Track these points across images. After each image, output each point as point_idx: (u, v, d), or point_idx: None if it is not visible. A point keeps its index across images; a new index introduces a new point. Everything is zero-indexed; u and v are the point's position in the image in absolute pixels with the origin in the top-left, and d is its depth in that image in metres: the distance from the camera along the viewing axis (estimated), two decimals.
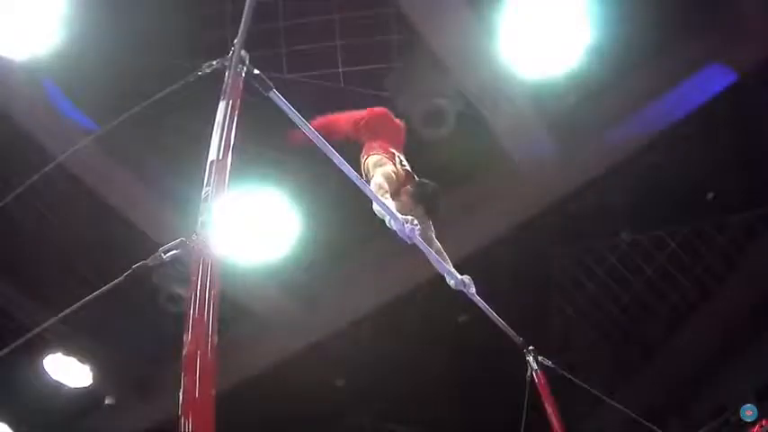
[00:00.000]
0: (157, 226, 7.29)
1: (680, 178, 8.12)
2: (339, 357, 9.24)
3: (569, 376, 4.48)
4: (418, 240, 3.45)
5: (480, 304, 3.98)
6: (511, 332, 4.30)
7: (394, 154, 4.04)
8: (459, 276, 3.86)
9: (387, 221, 3.44)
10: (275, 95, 2.55)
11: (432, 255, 3.73)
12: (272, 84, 2.51)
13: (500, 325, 4.18)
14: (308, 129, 2.76)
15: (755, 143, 8.08)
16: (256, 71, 2.42)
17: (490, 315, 4.06)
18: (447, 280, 3.89)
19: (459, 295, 3.95)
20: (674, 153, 7.81)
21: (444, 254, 4.00)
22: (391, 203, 3.49)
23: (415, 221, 3.39)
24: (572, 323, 9.76)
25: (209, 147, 2.14)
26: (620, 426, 7.89)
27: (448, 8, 6.39)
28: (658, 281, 9.27)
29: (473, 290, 3.88)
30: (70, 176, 7.08)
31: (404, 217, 3.38)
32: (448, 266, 3.87)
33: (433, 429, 9.82)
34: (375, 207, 3.56)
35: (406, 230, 3.32)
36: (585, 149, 7.63)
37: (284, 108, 2.62)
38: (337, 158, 2.93)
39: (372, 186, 3.56)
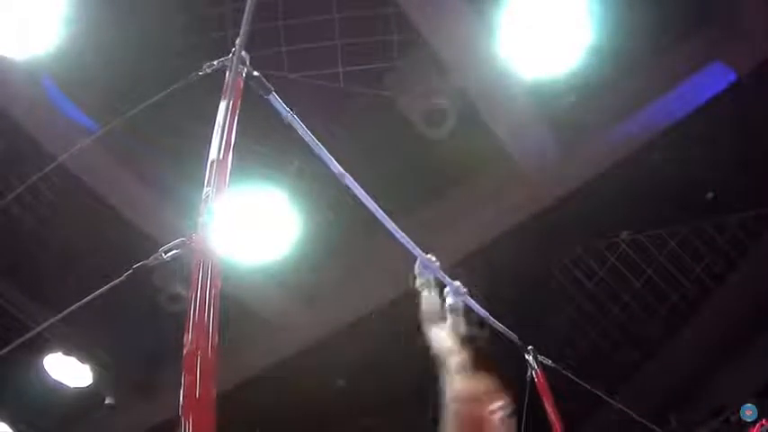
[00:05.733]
0: (157, 226, 7.29)
1: (680, 178, 8.12)
2: (339, 357, 9.23)
3: (570, 376, 4.48)
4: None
5: (480, 305, 3.97)
6: (511, 333, 4.30)
7: None
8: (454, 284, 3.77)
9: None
10: (274, 98, 2.55)
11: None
12: (271, 86, 2.50)
13: (499, 326, 4.18)
14: (305, 132, 2.76)
15: (755, 143, 8.08)
16: (256, 73, 2.41)
17: (488, 317, 4.06)
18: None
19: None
20: (674, 153, 7.81)
21: None
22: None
23: None
24: (572, 323, 9.76)
25: (209, 147, 2.14)
26: (620, 426, 7.89)
27: (448, 8, 6.39)
28: (658, 281, 9.27)
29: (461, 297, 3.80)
30: (70, 176, 7.08)
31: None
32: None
33: (432, 429, 9.81)
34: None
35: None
36: (585, 149, 7.64)
37: (281, 111, 2.62)
38: (332, 162, 2.93)
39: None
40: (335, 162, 2.94)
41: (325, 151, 2.87)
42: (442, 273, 3.74)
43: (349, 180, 3.09)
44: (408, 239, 3.45)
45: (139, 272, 2.00)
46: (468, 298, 3.79)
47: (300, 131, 2.72)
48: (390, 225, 3.36)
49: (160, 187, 7.46)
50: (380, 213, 3.34)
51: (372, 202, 3.30)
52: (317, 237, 8.11)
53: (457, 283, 3.76)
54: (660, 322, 9.64)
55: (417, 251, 3.56)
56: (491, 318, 4.07)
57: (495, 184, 7.93)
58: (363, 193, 3.20)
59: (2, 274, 8.19)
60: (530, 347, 4.44)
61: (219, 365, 1.73)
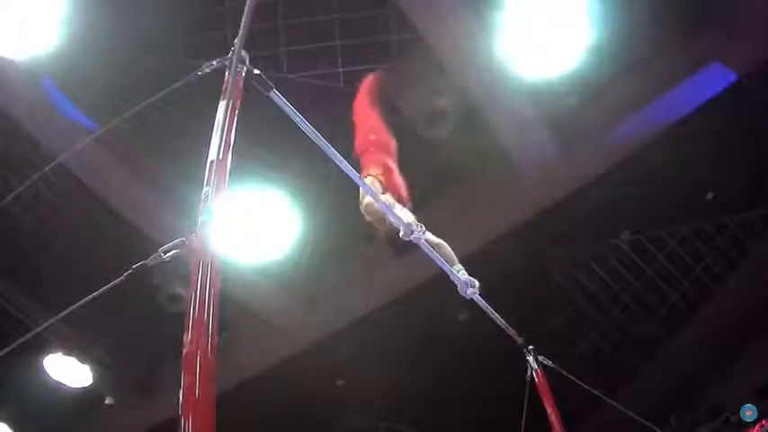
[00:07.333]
0: (157, 226, 7.29)
1: (680, 178, 8.11)
2: (339, 357, 9.23)
3: (569, 376, 4.47)
4: (423, 244, 3.42)
5: (481, 304, 3.95)
6: (511, 332, 4.29)
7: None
8: (462, 278, 3.75)
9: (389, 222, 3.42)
10: (275, 95, 2.54)
11: (438, 258, 3.65)
12: (272, 83, 2.50)
13: (500, 324, 4.17)
14: (308, 128, 2.75)
15: (755, 143, 8.07)
16: (256, 71, 2.41)
17: (491, 314, 4.05)
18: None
19: (460, 294, 3.91)
20: (674, 153, 7.80)
21: (452, 254, 3.90)
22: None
23: (422, 226, 3.36)
24: (572, 323, 9.75)
25: (209, 147, 2.14)
26: (620, 426, 7.88)
27: (448, 8, 6.39)
28: (658, 281, 9.26)
29: (472, 292, 3.76)
30: (70, 176, 7.08)
31: (410, 220, 3.35)
32: (454, 267, 3.78)
33: (432, 429, 9.81)
34: (366, 207, 3.55)
35: (414, 234, 3.31)
36: (585, 149, 7.63)
37: (284, 108, 2.61)
38: (338, 158, 2.92)
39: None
40: (339, 155, 2.92)
41: (329, 146, 2.85)
42: (445, 264, 3.72)
43: (354, 175, 3.08)
44: (390, 209, 3.43)
45: (139, 272, 2.00)
46: (477, 295, 3.77)
47: (303, 126, 2.71)
48: (393, 214, 3.36)
49: (160, 187, 7.46)
50: (386, 207, 3.34)
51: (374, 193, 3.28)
52: (317, 237, 8.11)
53: (465, 276, 3.73)
54: (660, 322, 9.63)
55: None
56: (497, 316, 4.06)
57: (495, 185, 7.93)
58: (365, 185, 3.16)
59: (2, 274, 8.19)
60: (530, 347, 4.43)
61: (219, 365, 1.73)
